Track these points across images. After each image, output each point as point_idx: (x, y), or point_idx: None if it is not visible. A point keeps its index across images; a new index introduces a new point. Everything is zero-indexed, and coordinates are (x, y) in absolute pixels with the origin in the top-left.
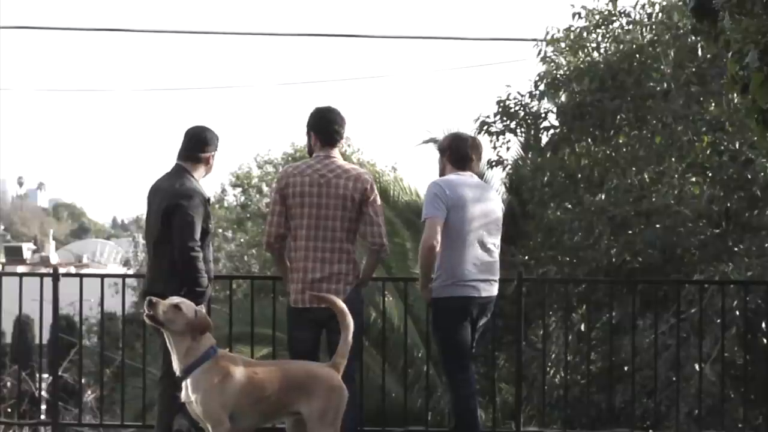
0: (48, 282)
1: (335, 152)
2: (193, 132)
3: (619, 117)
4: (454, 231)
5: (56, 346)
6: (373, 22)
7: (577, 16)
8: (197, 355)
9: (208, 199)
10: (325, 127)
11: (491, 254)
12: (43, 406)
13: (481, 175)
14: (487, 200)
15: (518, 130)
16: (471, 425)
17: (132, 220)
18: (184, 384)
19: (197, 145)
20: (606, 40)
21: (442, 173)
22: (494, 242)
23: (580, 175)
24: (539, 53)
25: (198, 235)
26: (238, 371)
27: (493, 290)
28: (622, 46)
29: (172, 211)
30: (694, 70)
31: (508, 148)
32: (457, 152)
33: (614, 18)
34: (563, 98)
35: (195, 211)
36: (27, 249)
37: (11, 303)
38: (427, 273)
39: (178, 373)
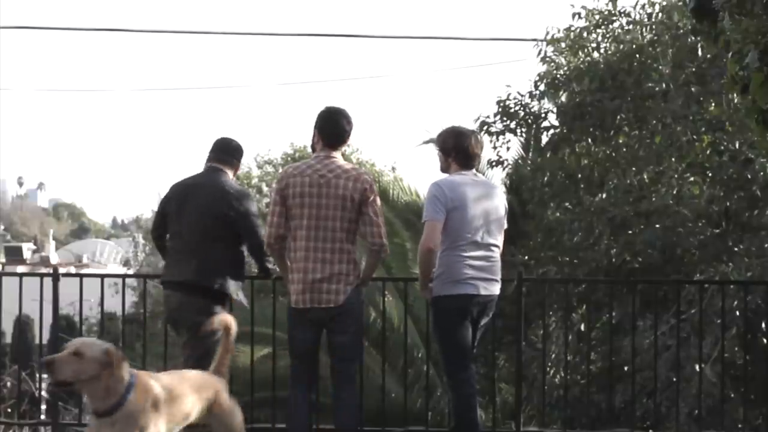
0: (48, 282)
1: (336, 153)
2: (225, 141)
3: (619, 117)
4: (453, 231)
5: (56, 346)
6: (373, 22)
7: (577, 16)
8: (120, 391)
9: None
10: (330, 128)
11: (492, 254)
12: (43, 406)
13: (481, 173)
14: (490, 199)
15: (518, 130)
16: (471, 425)
17: (132, 220)
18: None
19: (235, 152)
20: (606, 40)
21: (444, 170)
22: (495, 242)
23: (580, 175)
24: (539, 53)
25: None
26: (158, 388)
27: (494, 289)
28: (622, 46)
29: (241, 212)
30: (693, 70)
31: (508, 148)
32: (464, 151)
33: (614, 18)
34: (563, 98)
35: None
36: (27, 249)
37: (11, 303)
38: (426, 275)
39: (99, 414)
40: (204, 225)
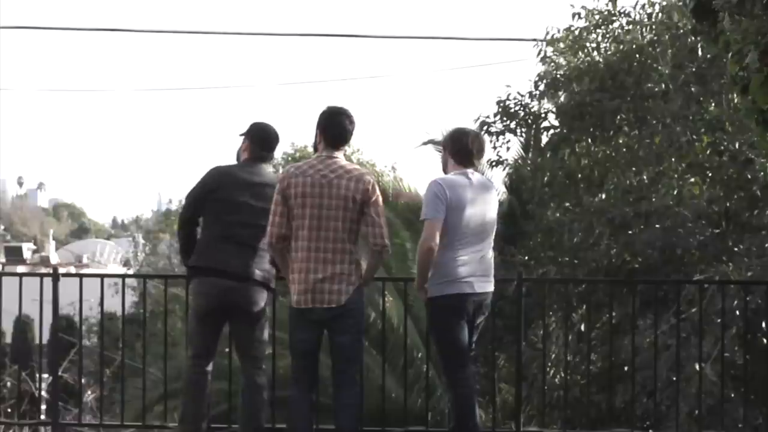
0: (48, 282)
1: (339, 153)
2: (270, 132)
3: (618, 117)
4: (451, 231)
5: (56, 346)
6: (373, 22)
7: (577, 16)
8: None
9: None
10: (332, 128)
11: (486, 252)
12: (43, 406)
13: (481, 173)
14: (486, 199)
15: (518, 130)
16: (470, 425)
17: (132, 220)
18: None
19: (275, 144)
20: (606, 40)
21: (444, 169)
22: (489, 240)
23: (580, 176)
24: (539, 53)
25: None
26: None
27: (488, 287)
28: (622, 46)
29: None
30: (693, 70)
31: (508, 148)
32: (459, 148)
33: (614, 18)
34: (563, 98)
35: None
36: (27, 249)
37: (11, 303)
38: (424, 274)
39: None
40: (261, 219)
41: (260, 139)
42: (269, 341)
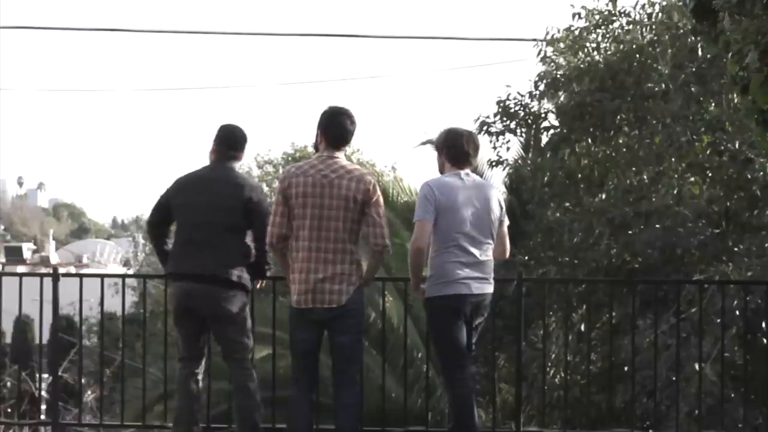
0: (48, 282)
1: (339, 153)
2: (233, 132)
3: (618, 117)
4: (444, 231)
5: (56, 346)
6: (373, 22)
7: (577, 16)
8: None
9: None
10: (333, 128)
11: (483, 253)
12: (43, 406)
13: (480, 173)
14: (482, 199)
15: (518, 130)
16: (469, 425)
17: (132, 220)
18: None
19: (241, 144)
20: (606, 40)
21: (441, 170)
22: (487, 241)
23: (580, 176)
24: (539, 53)
25: None
26: None
27: (486, 288)
28: (622, 46)
29: (256, 202)
30: (693, 70)
31: (508, 148)
32: (454, 149)
33: (614, 18)
34: (563, 98)
35: None
36: (27, 249)
37: (11, 303)
38: (417, 274)
39: None
40: (221, 217)
41: (225, 140)
42: (252, 340)
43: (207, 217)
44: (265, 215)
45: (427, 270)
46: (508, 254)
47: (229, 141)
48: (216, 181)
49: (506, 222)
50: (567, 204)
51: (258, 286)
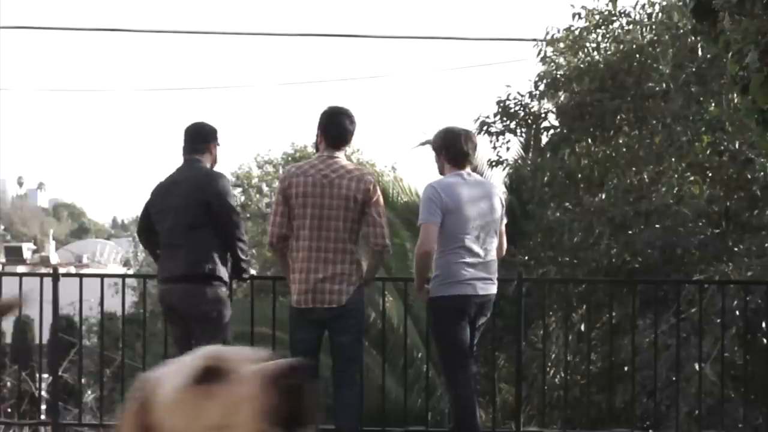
0: (48, 282)
1: (339, 153)
2: (195, 127)
3: (619, 117)
4: (450, 233)
5: (56, 346)
6: (373, 22)
7: (577, 16)
8: None
9: None
10: (333, 128)
11: (488, 253)
12: (43, 406)
13: (481, 173)
14: (485, 199)
15: (518, 130)
16: (470, 425)
17: (132, 220)
18: None
19: (207, 137)
20: (606, 40)
21: (441, 171)
22: (492, 241)
23: (580, 175)
24: (539, 53)
25: None
26: None
27: (491, 289)
28: (622, 46)
29: (220, 196)
30: (693, 70)
31: (508, 148)
32: (453, 150)
33: (614, 18)
34: (563, 98)
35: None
36: (27, 249)
37: None
38: (422, 276)
39: None
40: (187, 215)
41: (188, 137)
42: (230, 338)
43: (176, 220)
44: (228, 213)
45: (431, 270)
46: (504, 252)
47: (192, 137)
48: (181, 183)
49: (505, 220)
50: (567, 204)
51: (236, 285)
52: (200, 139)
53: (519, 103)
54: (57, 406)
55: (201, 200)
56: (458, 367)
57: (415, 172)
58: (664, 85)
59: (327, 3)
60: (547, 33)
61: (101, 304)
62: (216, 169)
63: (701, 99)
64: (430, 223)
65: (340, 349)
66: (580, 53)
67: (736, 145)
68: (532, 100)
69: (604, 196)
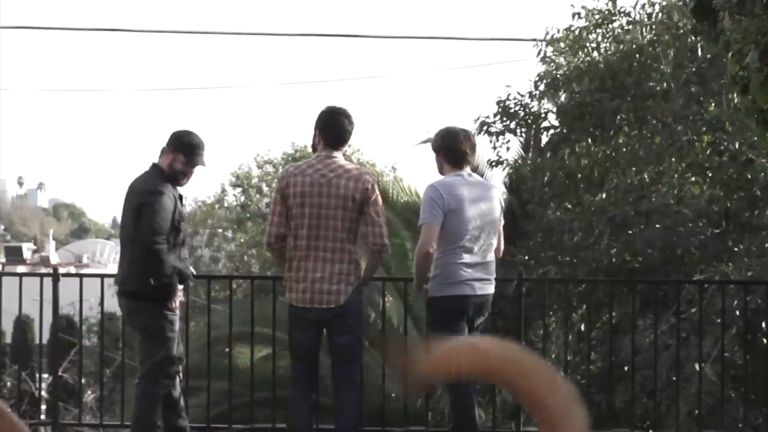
0: (48, 282)
1: (338, 152)
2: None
3: (619, 117)
4: (450, 233)
5: (56, 346)
6: (373, 22)
7: (577, 16)
8: None
9: (181, 197)
10: (331, 128)
11: (487, 254)
12: (43, 406)
13: (481, 173)
14: (485, 199)
15: (518, 130)
16: (470, 425)
17: None
18: None
19: (171, 142)
20: (606, 40)
21: (440, 171)
22: (491, 242)
23: (580, 175)
24: (539, 53)
25: (164, 230)
26: None
27: (489, 288)
28: (622, 46)
29: (141, 207)
30: (694, 70)
31: (508, 148)
32: (452, 150)
33: (614, 18)
34: (563, 98)
35: (162, 206)
36: (27, 249)
37: (11, 303)
38: (422, 276)
39: None
40: (125, 227)
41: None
42: (165, 350)
43: (126, 224)
44: (146, 215)
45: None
46: (501, 252)
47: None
48: (132, 190)
49: (502, 221)
50: (567, 204)
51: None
52: (166, 144)
53: (519, 103)
54: (57, 406)
55: (133, 212)
56: None
57: (415, 172)
58: (664, 84)
59: (327, 3)
60: (547, 33)
61: (101, 304)
62: (187, 181)
63: (701, 99)
64: (431, 223)
65: (340, 349)
66: (580, 53)
67: (737, 145)
68: (532, 100)
69: (604, 196)
